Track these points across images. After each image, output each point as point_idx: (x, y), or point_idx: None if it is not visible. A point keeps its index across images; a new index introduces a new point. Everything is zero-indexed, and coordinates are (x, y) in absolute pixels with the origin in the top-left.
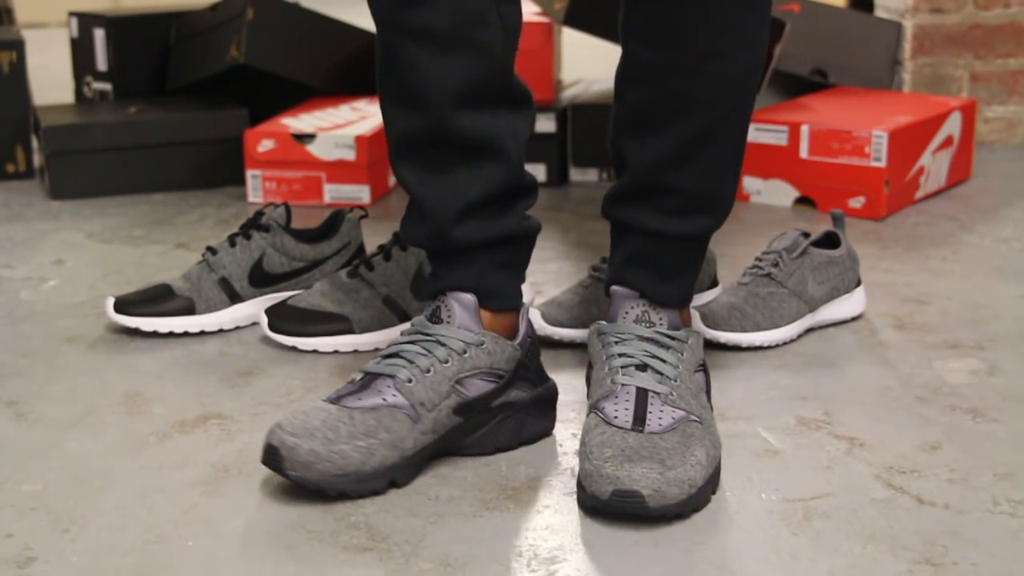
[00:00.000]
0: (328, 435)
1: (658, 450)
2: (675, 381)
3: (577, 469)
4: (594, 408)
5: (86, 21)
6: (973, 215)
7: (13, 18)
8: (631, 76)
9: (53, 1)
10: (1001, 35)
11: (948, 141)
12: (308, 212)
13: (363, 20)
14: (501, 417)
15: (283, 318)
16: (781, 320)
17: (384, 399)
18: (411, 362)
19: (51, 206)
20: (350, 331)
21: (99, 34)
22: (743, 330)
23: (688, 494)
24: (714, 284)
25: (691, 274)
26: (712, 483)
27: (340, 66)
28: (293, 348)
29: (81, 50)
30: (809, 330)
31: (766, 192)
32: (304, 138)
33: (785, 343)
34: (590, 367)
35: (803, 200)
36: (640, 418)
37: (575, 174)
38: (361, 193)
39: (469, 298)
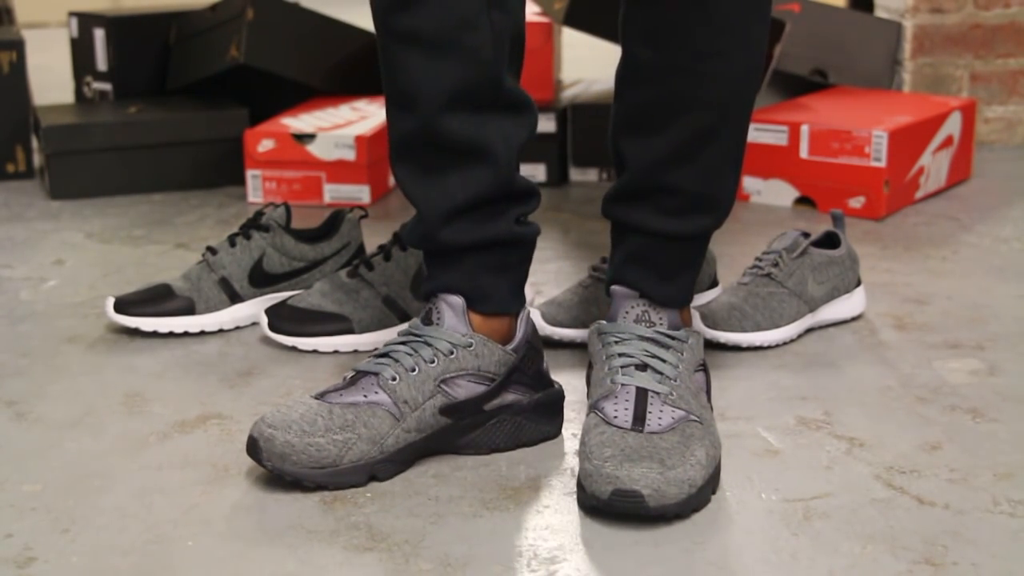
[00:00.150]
0: (304, 428)
1: (658, 450)
2: (675, 381)
3: (577, 469)
4: (594, 408)
5: (86, 21)
6: (973, 215)
7: (13, 18)
8: (631, 76)
9: (53, 1)
10: (1001, 35)
11: (948, 141)
12: (308, 212)
13: (363, 20)
14: (497, 420)
15: (283, 318)
16: (781, 320)
17: (365, 396)
18: (397, 361)
19: (51, 206)
20: (350, 331)
21: (99, 34)
22: (743, 330)
23: (688, 494)
24: (714, 284)
25: (691, 274)
26: (712, 483)
27: (340, 66)
28: (293, 348)
29: (81, 50)
30: (809, 330)
31: (766, 192)
32: (304, 138)
33: (785, 343)
34: (590, 367)
35: (803, 200)
36: (640, 418)
37: (575, 174)
38: (361, 193)
39: (457, 300)
